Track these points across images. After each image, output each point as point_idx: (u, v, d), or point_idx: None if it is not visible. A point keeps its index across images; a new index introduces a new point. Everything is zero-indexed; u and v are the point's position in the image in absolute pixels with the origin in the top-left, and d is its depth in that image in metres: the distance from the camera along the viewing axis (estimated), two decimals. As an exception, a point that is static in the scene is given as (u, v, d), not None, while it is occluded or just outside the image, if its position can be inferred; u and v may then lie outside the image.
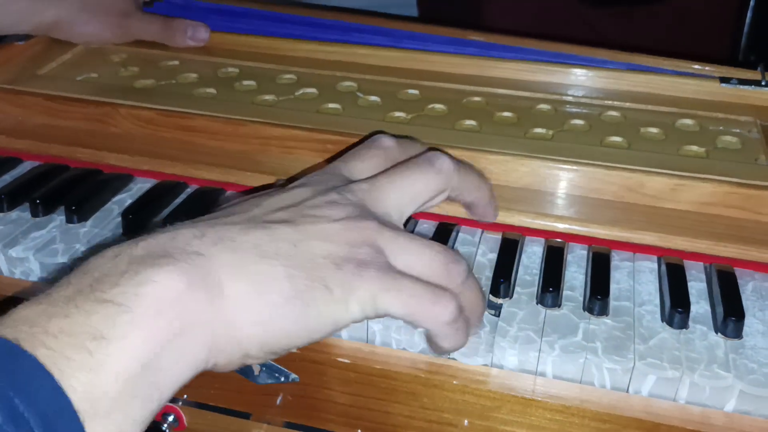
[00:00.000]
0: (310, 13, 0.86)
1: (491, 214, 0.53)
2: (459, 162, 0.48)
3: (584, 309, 0.48)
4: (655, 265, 0.53)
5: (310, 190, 0.44)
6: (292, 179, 0.49)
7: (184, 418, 0.54)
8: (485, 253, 0.54)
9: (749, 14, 1.11)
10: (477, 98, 0.69)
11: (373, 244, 0.42)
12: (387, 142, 0.49)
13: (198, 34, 0.78)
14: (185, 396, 0.53)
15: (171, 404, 0.53)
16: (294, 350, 0.41)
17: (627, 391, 0.45)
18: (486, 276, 0.52)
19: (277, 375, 0.49)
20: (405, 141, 0.51)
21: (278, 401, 0.51)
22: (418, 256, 0.42)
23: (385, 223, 0.43)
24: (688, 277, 0.51)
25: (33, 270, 0.53)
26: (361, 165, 0.48)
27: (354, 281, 0.40)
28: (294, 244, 0.40)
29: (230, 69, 0.74)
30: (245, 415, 0.53)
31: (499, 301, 0.49)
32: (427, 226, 0.57)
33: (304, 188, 0.45)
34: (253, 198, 0.44)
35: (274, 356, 0.40)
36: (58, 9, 0.76)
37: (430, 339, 0.44)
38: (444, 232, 0.55)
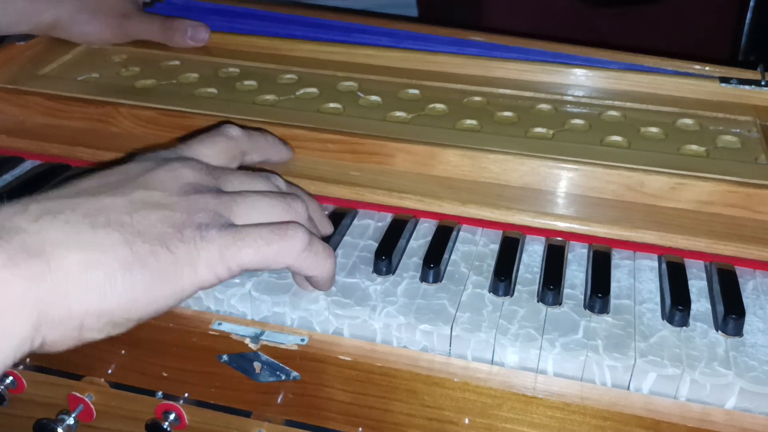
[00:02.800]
0: (310, 13, 0.87)
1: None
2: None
3: (585, 307, 0.48)
4: (656, 264, 0.53)
5: (145, 163, 0.44)
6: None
7: (185, 416, 0.54)
8: (486, 243, 0.55)
9: (749, 14, 1.11)
10: (477, 98, 0.69)
11: (210, 209, 0.42)
12: (232, 131, 0.50)
13: (198, 34, 0.78)
14: (186, 394, 0.53)
15: (172, 402, 0.53)
16: (141, 321, 0.39)
17: (628, 388, 0.45)
18: (488, 264, 0.52)
19: (278, 373, 0.49)
20: (253, 132, 0.52)
21: (279, 399, 0.51)
22: (257, 209, 0.44)
23: (221, 193, 0.44)
24: (688, 276, 0.51)
25: (34, 268, 0.53)
26: (204, 150, 0.48)
27: (197, 243, 0.40)
28: (128, 213, 0.39)
29: (231, 69, 0.74)
30: (246, 414, 0.53)
31: (500, 299, 0.49)
32: (428, 225, 0.57)
33: (139, 162, 0.45)
34: (87, 173, 0.43)
35: (118, 328, 0.38)
36: (57, 9, 0.76)
37: (299, 279, 0.47)
38: (444, 231, 0.55)
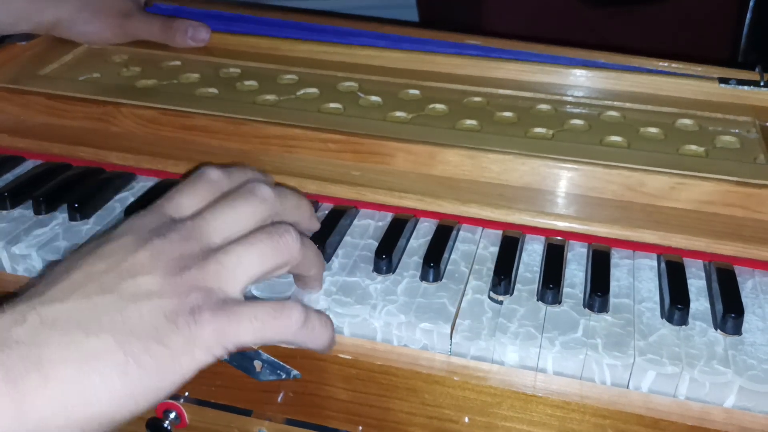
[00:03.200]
0: (306, 18, 0.87)
1: (316, 225, 0.53)
2: (278, 187, 0.48)
3: (584, 306, 0.49)
4: (655, 263, 0.53)
5: (129, 240, 0.42)
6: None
7: (185, 415, 0.54)
8: (486, 246, 0.55)
9: (749, 15, 1.12)
10: (477, 98, 0.69)
11: (201, 285, 0.41)
12: (212, 174, 0.48)
13: (198, 34, 0.78)
14: (187, 393, 0.54)
15: (173, 401, 0.54)
16: (142, 414, 0.39)
17: (627, 387, 0.45)
18: (488, 267, 0.52)
19: (278, 372, 0.49)
20: (232, 170, 0.49)
21: (280, 398, 0.51)
22: (250, 261, 0.43)
23: (208, 255, 0.42)
24: (687, 275, 0.51)
25: (36, 267, 0.54)
26: (186, 201, 0.46)
27: (192, 329, 0.39)
28: (119, 311, 0.39)
29: (232, 69, 0.75)
30: (247, 412, 0.53)
31: (500, 297, 0.49)
32: (428, 225, 0.57)
33: (123, 239, 0.43)
34: (74, 260, 0.42)
35: (120, 423, 0.38)
36: (58, 8, 0.76)
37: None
38: (444, 231, 0.55)
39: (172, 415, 0.54)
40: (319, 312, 0.44)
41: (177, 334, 0.39)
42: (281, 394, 0.51)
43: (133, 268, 0.41)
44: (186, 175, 0.61)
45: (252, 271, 0.43)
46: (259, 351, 0.49)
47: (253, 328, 0.41)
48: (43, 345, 0.37)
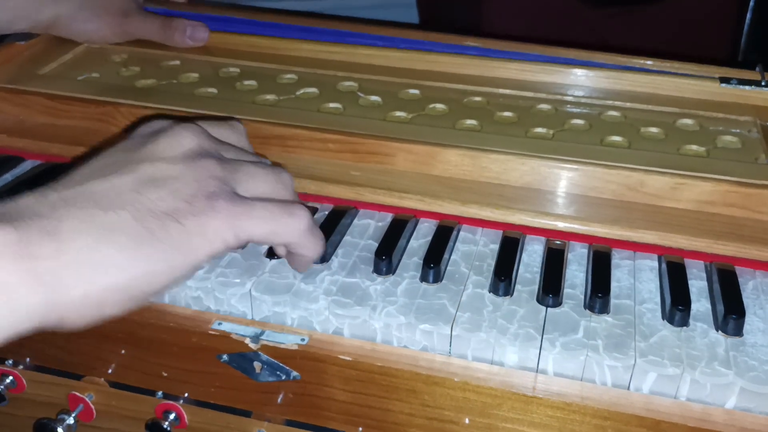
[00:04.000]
0: (304, 21, 0.86)
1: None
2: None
3: (585, 307, 0.48)
4: (656, 264, 0.53)
5: (146, 132, 0.46)
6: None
7: (185, 416, 0.54)
8: (486, 244, 0.55)
9: (749, 15, 1.12)
10: (478, 98, 0.69)
11: (218, 176, 0.43)
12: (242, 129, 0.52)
13: (197, 33, 0.78)
14: (186, 394, 0.53)
15: (172, 402, 0.53)
16: (158, 293, 0.41)
17: (628, 388, 0.45)
18: (488, 263, 0.52)
19: (278, 373, 0.49)
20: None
21: (279, 399, 0.51)
22: (255, 178, 0.46)
23: (228, 160, 0.45)
24: (688, 276, 0.51)
25: (34, 268, 0.53)
26: (215, 130, 0.49)
27: (207, 213, 0.41)
28: (137, 191, 0.41)
29: (231, 69, 0.74)
30: (246, 413, 0.53)
31: (500, 299, 0.49)
32: (428, 225, 0.57)
33: (141, 133, 0.46)
34: (94, 158, 0.45)
35: (136, 302, 0.40)
36: (57, 6, 0.76)
37: (291, 256, 0.48)
38: (445, 231, 0.55)
39: (172, 416, 0.54)
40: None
41: (193, 216, 0.41)
42: (281, 395, 0.51)
43: (151, 153, 0.43)
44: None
45: (257, 185, 0.45)
46: (259, 352, 0.49)
47: (264, 222, 0.43)
48: (62, 219, 0.38)
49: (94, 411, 0.56)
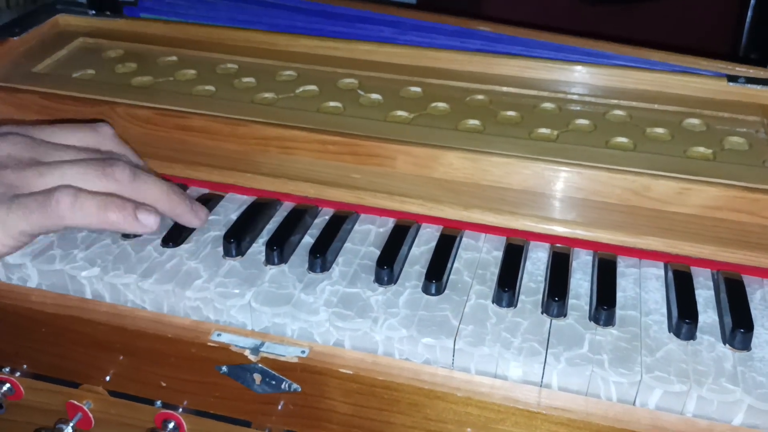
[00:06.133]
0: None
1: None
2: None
3: (590, 319, 0.48)
4: (662, 272, 0.52)
5: None
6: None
7: (184, 425, 0.53)
8: (490, 251, 0.54)
9: (749, 13, 1.10)
10: (480, 96, 0.68)
11: (5, 182, 0.47)
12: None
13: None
14: (185, 403, 0.53)
15: (171, 411, 0.53)
16: None
17: (634, 404, 0.44)
18: (491, 272, 0.52)
19: (278, 385, 0.48)
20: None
21: (279, 410, 0.50)
22: (66, 177, 0.49)
23: (35, 160, 0.50)
24: (695, 285, 0.50)
25: (30, 276, 0.53)
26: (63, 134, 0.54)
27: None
28: None
29: (229, 65, 0.73)
30: (246, 423, 0.52)
31: (504, 310, 0.48)
32: (430, 231, 0.56)
33: None
34: None
35: None
36: None
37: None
38: (447, 240, 0.54)
39: (171, 425, 0.53)
40: (96, 193, 0.50)
41: None
42: (281, 406, 0.50)
43: None
44: (183, 180, 0.60)
45: (71, 180, 0.49)
46: (259, 365, 0.48)
47: (25, 216, 0.48)
48: None
49: (93, 419, 0.55)
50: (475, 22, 0.79)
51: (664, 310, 0.49)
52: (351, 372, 0.47)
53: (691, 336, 0.46)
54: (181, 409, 0.53)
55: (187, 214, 0.54)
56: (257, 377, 0.49)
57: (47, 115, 0.66)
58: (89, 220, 0.50)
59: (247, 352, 0.48)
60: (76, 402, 0.55)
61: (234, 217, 0.57)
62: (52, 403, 0.56)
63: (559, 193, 0.57)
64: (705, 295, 0.50)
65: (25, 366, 0.56)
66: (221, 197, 0.59)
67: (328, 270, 0.52)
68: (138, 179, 0.51)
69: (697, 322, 0.46)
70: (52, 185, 0.48)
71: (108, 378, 0.54)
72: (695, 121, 0.64)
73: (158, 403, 0.53)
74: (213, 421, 0.53)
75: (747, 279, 0.51)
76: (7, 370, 0.56)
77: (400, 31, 0.79)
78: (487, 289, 0.50)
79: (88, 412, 0.55)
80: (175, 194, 0.54)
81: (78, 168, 0.50)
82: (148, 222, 0.51)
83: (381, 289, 0.50)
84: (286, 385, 0.48)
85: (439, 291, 0.49)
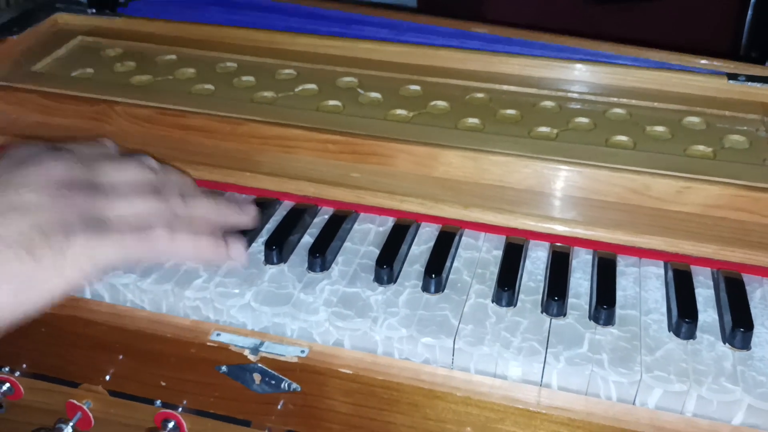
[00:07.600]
0: (308, 3, 0.85)
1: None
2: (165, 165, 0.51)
3: (590, 318, 0.48)
4: (662, 271, 0.52)
5: (16, 157, 0.44)
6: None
7: (184, 425, 0.53)
8: (489, 250, 0.54)
9: (750, 12, 1.10)
10: (480, 94, 0.68)
11: (79, 206, 0.42)
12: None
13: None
14: (185, 403, 0.53)
15: (171, 411, 0.53)
16: (10, 326, 0.40)
17: (633, 403, 0.44)
18: (491, 271, 0.52)
19: (277, 385, 0.48)
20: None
21: (279, 410, 0.50)
22: (129, 201, 0.45)
23: (91, 181, 0.45)
24: (695, 284, 0.50)
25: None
26: (87, 149, 0.48)
27: (62, 246, 0.40)
28: None
29: (229, 64, 0.73)
30: (246, 423, 0.52)
31: (504, 309, 0.48)
32: (430, 230, 0.56)
33: (11, 156, 0.45)
34: None
35: None
36: None
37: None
38: (446, 238, 0.54)
39: (171, 425, 0.53)
40: (188, 230, 0.46)
41: (49, 250, 0.40)
42: (280, 406, 0.50)
43: (17, 181, 0.42)
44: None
45: (132, 207, 0.45)
46: (258, 364, 0.48)
47: (120, 247, 0.43)
48: None
49: (93, 419, 0.55)
50: (473, 24, 0.79)
51: (664, 309, 0.49)
52: (350, 372, 0.47)
53: (690, 335, 0.46)
54: (180, 409, 0.53)
55: (237, 216, 0.52)
56: (257, 377, 0.49)
57: (46, 114, 0.66)
58: (183, 258, 0.49)
59: (246, 352, 0.48)
60: (75, 402, 0.55)
61: (233, 216, 0.57)
62: (51, 402, 0.56)
63: (559, 192, 0.56)
64: (705, 294, 0.50)
65: (24, 366, 0.56)
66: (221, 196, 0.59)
67: (327, 269, 0.52)
68: (188, 200, 0.48)
69: (697, 321, 0.46)
70: (120, 209, 0.45)
71: (108, 378, 0.54)
72: (695, 119, 0.64)
73: (158, 402, 0.53)
74: (213, 421, 0.53)
75: (747, 278, 0.51)
76: (7, 369, 0.56)
77: (397, 33, 0.79)
78: (487, 289, 0.50)
79: (88, 412, 0.55)
80: (223, 204, 0.51)
81: (139, 190, 0.46)
82: (241, 259, 0.50)
83: (381, 288, 0.50)
84: (286, 385, 0.48)
85: (439, 287, 0.49)
